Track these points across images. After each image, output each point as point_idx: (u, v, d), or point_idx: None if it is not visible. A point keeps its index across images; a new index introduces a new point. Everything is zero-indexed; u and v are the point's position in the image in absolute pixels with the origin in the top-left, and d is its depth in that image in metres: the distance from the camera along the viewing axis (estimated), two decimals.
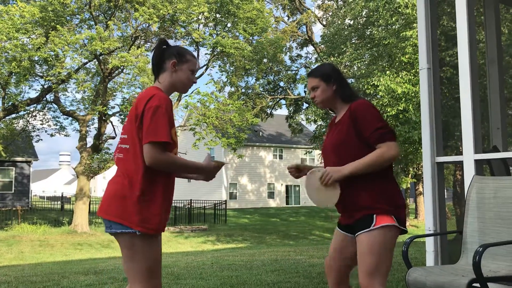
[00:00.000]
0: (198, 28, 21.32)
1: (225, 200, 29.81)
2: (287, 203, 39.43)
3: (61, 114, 22.37)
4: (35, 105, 21.67)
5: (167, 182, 2.38)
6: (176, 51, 2.52)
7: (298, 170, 2.73)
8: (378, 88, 14.32)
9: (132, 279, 2.32)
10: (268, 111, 28.40)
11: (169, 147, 2.33)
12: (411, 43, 14.31)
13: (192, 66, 2.53)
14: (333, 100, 2.64)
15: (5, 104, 19.99)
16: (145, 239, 2.28)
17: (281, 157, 39.31)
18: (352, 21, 20.18)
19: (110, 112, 21.07)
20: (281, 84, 27.40)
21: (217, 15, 21.20)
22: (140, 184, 2.28)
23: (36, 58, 18.69)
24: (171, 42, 26.75)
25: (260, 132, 38.96)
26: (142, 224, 2.26)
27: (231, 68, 23.35)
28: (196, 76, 2.60)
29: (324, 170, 2.47)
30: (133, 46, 19.61)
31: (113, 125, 22.42)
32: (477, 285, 2.56)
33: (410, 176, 26.20)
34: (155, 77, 2.53)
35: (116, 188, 2.33)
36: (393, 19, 16.03)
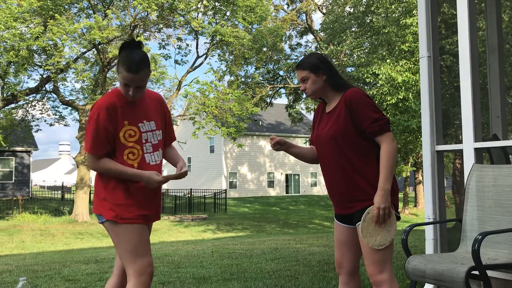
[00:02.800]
0: (197, 16, 21.20)
1: (225, 189, 29.87)
2: (287, 192, 39.52)
3: (61, 103, 22.34)
4: (34, 95, 21.62)
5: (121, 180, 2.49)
6: (120, 57, 2.38)
7: (278, 143, 2.65)
8: (378, 77, 14.26)
9: (123, 263, 2.50)
10: (268, 100, 28.33)
11: (120, 148, 2.45)
12: (411, 31, 14.24)
13: (124, 79, 2.37)
14: (323, 90, 2.60)
15: (4, 94, 19.94)
16: (124, 226, 2.46)
17: None
18: (352, 9, 20.07)
19: None
20: (281, 73, 27.28)
21: (216, 4, 21.06)
22: (98, 180, 2.53)
23: (35, 48, 18.61)
24: (170, 31, 26.41)
25: (260, 121, 38.92)
26: (110, 214, 2.46)
27: (231, 57, 23.25)
28: (135, 90, 2.40)
29: (371, 210, 2.39)
30: (132, 35, 19.51)
31: None
32: (476, 272, 2.57)
33: (409, 164, 26.23)
34: None
35: (94, 185, 2.58)
36: (393, 7, 15.94)
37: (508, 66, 4.86)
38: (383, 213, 2.37)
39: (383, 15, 16.91)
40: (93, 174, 28.47)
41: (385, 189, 2.38)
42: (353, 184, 2.48)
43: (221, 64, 24.16)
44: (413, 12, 14.43)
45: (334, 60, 20.11)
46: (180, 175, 2.52)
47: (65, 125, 24.13)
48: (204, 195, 28.17)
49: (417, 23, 13.55)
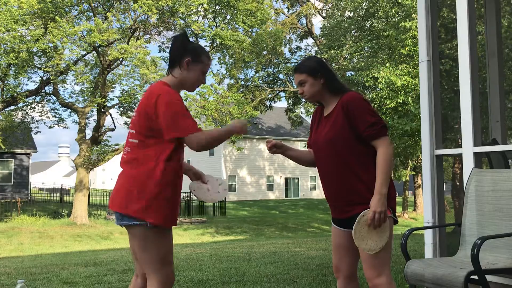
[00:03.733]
0: (198, 20, 21.23)
1: None
2: (286, 196, 39.50)
3: (60, 106, 22.31)
4: (34, 97, 21.60)
5: (175, 179, 2.43)
6: (194, 49, 2.53)
7: (274, 146, 2.69)
8: (378, 81, 14.27)
9: (146, 269, 2.39)
10: (268, 104, 28.34)
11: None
12: (411, 34, 14.25)
13: (204, 68, 2.56)
14: (321, 94, 2.60)
15: (4, 96, 19.92)
16: (158, 230, 2.35)
17: None
18: (352, 13, 20.09)
19: (109, 104, 21.04)
20: (281, 76, 27.31)
21: (217, 7, 21.08)
22: (149, 179, 2.34)
23: (35, 50, 18.62)
24: (170, 34, 26.56)
25: (260, 125, 38.95)
26: (155, 218, 2.33)
27: (231, 60, 23.26)
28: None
29: (367, 213, 2.37)
30: (132, 38, 19.53)
31: (112, 117, 22.40)
32: (475, 277, 2.57)
33: (409, 168, 26.22)
34: (168, 68, 2.57)
35: (127, 182, 2.38)
36: (393, 11, 15.95)
37: (507, 71, 4.86)
38: (378, 217, 2.35)
39: (383, 19, 16.93)
40: (92, 176, 28.40)
41: (381, 193, 2.37)
42: (350, 188, 2.48)
43: (221, 67, 24.22)
44: (412, 16, 14.44)
45: (333, 64, 20.13)
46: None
47: (64, 127, 24.04)
48: None
49: (416, 26, 13.58)
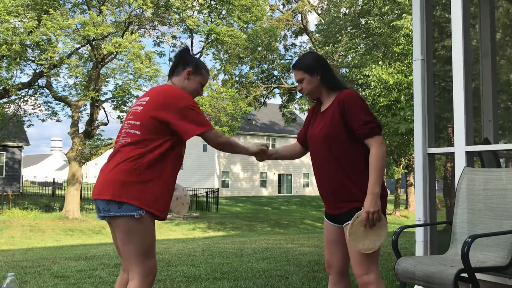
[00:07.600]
0: (193, 15, 21.14)
1: (217, 188, 29.83)
2: (279, 192, 39.55)
3: (53, 99, 22.16)
4: (26, 89, 21.44)
5: (173, 173, 2.53)
6: (195, 62, 2.71)
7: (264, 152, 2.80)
8: (369, 78, 14.30)
9: (129, 261, 2.41)
10: (262, 100, 28.29)
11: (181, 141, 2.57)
12: (404, 32, 14.28)
13: (203, 80, 2.73)
14: (319, 90, 2.62)
15: None
16: (142, 222, 2.38)
17: (274, 146, 39.37)
18: (348, 10, 20.10)
19: (102, 98, 20.92)
20: (275, 73, 27.26)
21: (212, 2, 21.01)
22: (147, 169, 2.40)
23: (28, 42, 18.46)
24: (165, 28, 26.27)
25: (253, 121, 38.92)
26: (145, 203, 2.37)
27: (225, 56, 23.21)
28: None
29: (361, 214, 2.37)
30: (126, 32, 19.42)
31: (105, 111, 22.28)
32: (465, 275, 2.59)
33: (401, 166, 26.33)
34: (169, 77, 2.72)
35: (123, 171, 2.39)
36: (387, 8, 15.96)
37: (501, 71, 4.88)
38: (372, 217, 2.36)
39: (378, 16, 16.95)
40: (84, 170, 28.26)
41: (374, 193, 2.38)
42: (341, 185, 2.49)
43: (216, 63, 24.24)
44: (404, 15, 14.45)
45: (328, 61, 20.12)
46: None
47: (57, 121, 23.85)
48: (196, 194, 28.10)
49: (409, 24, 13.61)
